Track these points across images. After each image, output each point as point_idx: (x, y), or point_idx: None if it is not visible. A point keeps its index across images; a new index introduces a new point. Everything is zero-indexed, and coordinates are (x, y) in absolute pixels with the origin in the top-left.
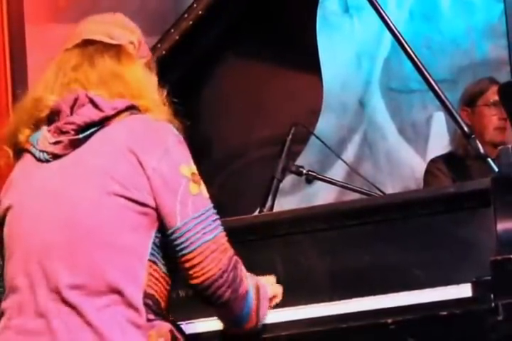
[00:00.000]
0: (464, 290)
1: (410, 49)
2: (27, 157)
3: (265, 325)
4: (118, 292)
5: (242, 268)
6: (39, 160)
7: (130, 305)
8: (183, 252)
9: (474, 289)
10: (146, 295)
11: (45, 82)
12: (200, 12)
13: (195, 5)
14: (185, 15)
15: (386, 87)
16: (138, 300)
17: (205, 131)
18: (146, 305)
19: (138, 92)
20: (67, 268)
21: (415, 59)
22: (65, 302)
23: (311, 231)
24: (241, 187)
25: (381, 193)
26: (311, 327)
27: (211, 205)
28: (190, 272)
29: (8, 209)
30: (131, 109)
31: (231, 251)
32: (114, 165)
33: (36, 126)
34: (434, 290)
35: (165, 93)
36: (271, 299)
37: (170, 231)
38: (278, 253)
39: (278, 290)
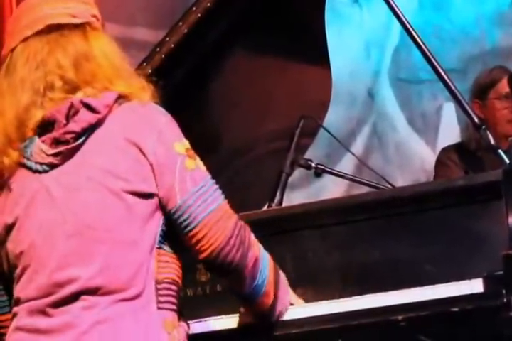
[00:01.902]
0: (475, 286)
1: (419, 38)
2: (20, 171)
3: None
4: (132, 286)
5: (249, 234)
6: (36, 171)
7: (142, 295)
8: (188, 228)
9: (486, 284)
10: (158, 281)
11: (22, 81)
12: (208, 4)
13: None
14: (194, 8)
15: (395, 77)
16: (150, 289)
17: (213, 124)
18: (159, 290)
19: (112, 74)
20: (83, 273)
21: (424, 48)
22: (79, 303)
23: (321, 226)
24: (250, 181)
25: (390, 186)
26: (320, 324)
27: (209, 176)
28: (197, 247)
29: (10, 226)
30: (118, 99)
31: (235, 217)
32: (114, 162)
33: (21, 140)
34: (445, 285)
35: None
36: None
37: (172, 211)
38: (287, 249)
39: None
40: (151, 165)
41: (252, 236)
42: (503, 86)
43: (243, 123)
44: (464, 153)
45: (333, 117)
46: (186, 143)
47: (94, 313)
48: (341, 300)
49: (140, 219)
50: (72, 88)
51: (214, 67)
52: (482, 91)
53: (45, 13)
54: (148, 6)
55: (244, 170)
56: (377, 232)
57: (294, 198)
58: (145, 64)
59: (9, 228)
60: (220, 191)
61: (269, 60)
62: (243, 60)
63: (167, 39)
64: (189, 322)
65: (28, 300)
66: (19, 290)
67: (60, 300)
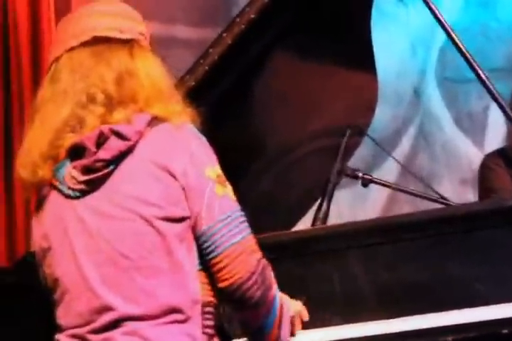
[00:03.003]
0: None
1: (458, 39)
2: (53, 193)
3: None
4: (175, 311)
5: (270, 273)
6: (68, 196)
7: (187, 319)
8: (210, 256)
9: None
10: (204, 304)
11: (65, 91)
12: (252, 16)
13: (247, 9)
14: (237, 20)
15: (442, 77)
16: (194, 312)
17: (259, 126)
18: (205, 314)
19: (152, 95)
20: (119, 301)
21: (463, 50)
22: (119, 329)
23: (369, 245)
24: (295, 181)
25: (436, 193)
26: None
27: (238, 207)
28: (218, 275)
29: (45, 250)
30: (151, 121)
31: (259, 254)
32: (145, 189)
33: (54, 160)
34: (495, 307)
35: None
36: (294, 317)
37: (197, 235)
38: (335, 268)
39: (300, 308)
40: (183, 188)
41: (272, 275)
42: None
43: (289, 124)
44: (509, 158)
45: (379, 116)
46: (218, 169)
47: (136, 338)
48: (390, 320)
49: (176, 243)
50: (111, 103)
51: (259, 71)
52: None
53: (93, 25)
54: (188, 4)
55: (290, 169)
56: (427, 252)
57: (339, 198)
58: (188, 76)
59: (45, 251)
60: (246, 224)
61: (315, 63)
62: (288, 64)
63: (210, 51)
64: None
65: (69, 327)
66: (60, 317)
67: (100, 327)
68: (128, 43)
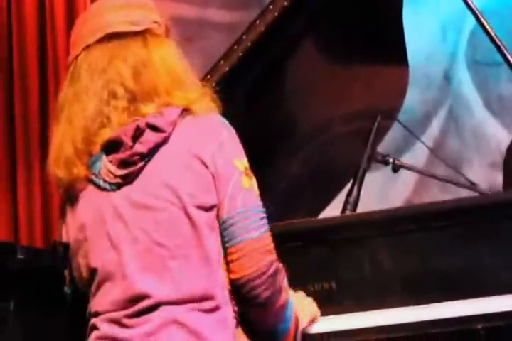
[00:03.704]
0: None
1: (487, 22)
2: (89, 187)
3: (354, 329)
4: (208, 298)
5: (283, 277)
6: (104, 189)
7: (218, 305)
8: (226, 245)
9: None
10: (230, 292)
11: (86, 89)
12: (284, 3)
13: None
14: (271, 7)
15: (472, 60)
16: (225, 299)
17: (290, 111)
18: (232, 300)
19: (170, 83)
20: (156, 289)
21: (492, 33)
22: (156, 312)
23: (398, 232)
24: (325, 166)
25: (465, 178)
26: (399, 332)
27: (260, 203)
28: (230, 266)
29: (80, 241)
30: (182, 112)
31: (274, 255)
32: (179, 178)
33: (89, 156)
34: None
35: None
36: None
37: (219, 224)
38: (367, 254)
39: (314, 309)
40: (213, 176)
41: (285, 281)
42: None
43: (320, 110)
44: None
45: (409, 100)
46: (246, 162)
47: (171, 322)
48: (420, 307)
49: (207, 231)
50: (133, 97)
51: (292, 57)
52: None
53: (106, 21)
54: None
55: (320, 152)
56: (457, 240)
57: (368, 182)
58: (222, 62)
59: (80, 243)
60: (266, 221)
61: (347, 49)
62: (321, 51)
63: (244, 37)
64: None
65: (106, 312)
66: (96, 305)
67: (136, 312)
68: (141, 34)
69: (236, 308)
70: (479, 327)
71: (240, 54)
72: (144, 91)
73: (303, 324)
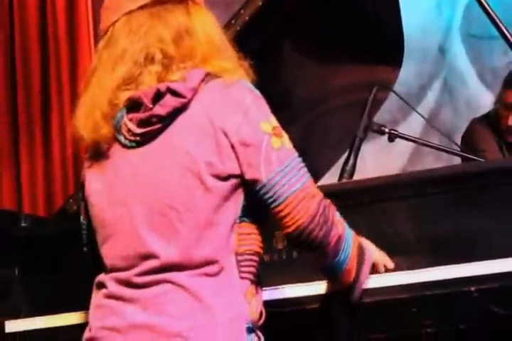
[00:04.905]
0: None
1: None
2: (114, 145)
3: None
4: (213, 263)
5: (333, 213)
6: (124, 146)
7: (224, 270)
8: (273, 205)
9: None
10: (240, 253)
11: (123, 52)
12: None
13: None
14: None
15: (466, 34)
16: (231, 263)
17: (289, 80)
18: (240, 262)
19: (210, 51)
20: (163, 250)
21: (486, 6)
22: (160, 275)
23: (395, 198)
24: (322, 135)
25: (458, 147)
26: (395, 294)
27: (295, 154)
28: (283, 222)
29: (99, 193)
30: (205, 77)
31: (320, 196)
32: (197, 145)
33: (114, 118)
34: None
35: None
36: (378, 265)
37: (257, 188)
38: (361, 221)
39: (384, 258)
40: (232, 146)
41: (337, 215)
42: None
43: (318, 79)
44: (494, 123)
45: (405, 72)
46: (273, 121)
47: (175, 286)
48: (416, 271)
49: (220, 199)
50: (170, 62)
51: (288, 32)
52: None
53: None
54: None
55: (317, 121)
56: (452, 205)
57: (365, 150)
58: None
59: (96, 193)
60: (305, 169)
61: (345, 21)
62: (317, 24)
63: (242, 12)
64: (265, 288)
65: (114, 269)
66: (105, 256)
67: (142, 272)
68: (184, 2)
69: (247, 269)
70: (472, 289)
71: (238, 28)
72: (182, 58)
73: (372, 258)
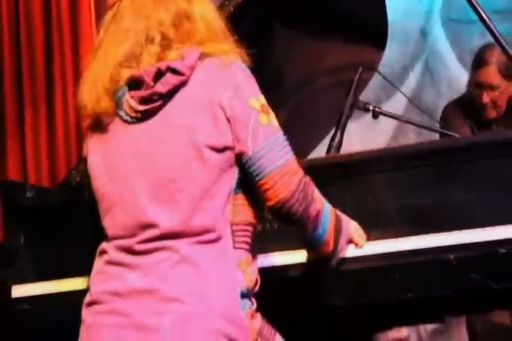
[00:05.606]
0: None
1: None
2: (115, 119)
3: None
4: (210, 232)
5: (313, 189)
6: (125, 121)
7: (219, 239)
8: (257, 178)
9: None
10: (234, 223)
11: (127, 30)
12: None
13: None
14: None
15: (447, 17)
16: (226, 232)
17: (278, 60)
18: (235, 232)
19: (207, 36)
20: (163, 220)
21: None
22: (160, 243)
23: (380, 171)
24: (311, 113)
25: (439, 124)
26: (378, 261)
27: (281, 132)
28: (265, 195)
29: (101, 166)
30: (201, 56)
31: (301, 173)
32: (195, 119)
33: (116, 93)
34: (494, 228)
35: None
36: (353, 236)
37: (244, 161)
38: (348, 192)
39: (359, 229)
40: (228, 119)
41: (316, 191)
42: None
43: (306, 60)
44: (467, 107)
45: (388, 54)
46: (262, 99)
47: (174, 253)
48: (398, 239)
49: (217, 171)
50: (168, 43)
51: (277, 15)
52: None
53: None
54: None
55: (305, 102)
56: (432, 178)
57: (351, 128)
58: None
59: (98, 167)
60: (289, 147)
61: (330, 7)
62: (305, 9)
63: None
64: (258, 256)
65: (116, 238)
66: (107, 227)
67: (143, 240)
68: None
69: (242, 239)
70: (451, 257)
71: (232, 9)
72: (180, 40)
73: (349, 230)
